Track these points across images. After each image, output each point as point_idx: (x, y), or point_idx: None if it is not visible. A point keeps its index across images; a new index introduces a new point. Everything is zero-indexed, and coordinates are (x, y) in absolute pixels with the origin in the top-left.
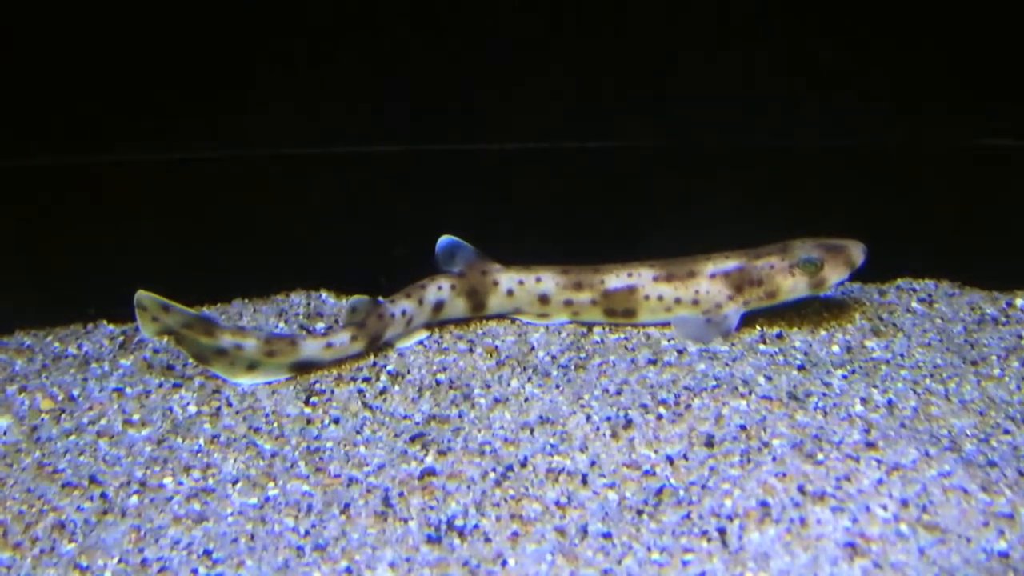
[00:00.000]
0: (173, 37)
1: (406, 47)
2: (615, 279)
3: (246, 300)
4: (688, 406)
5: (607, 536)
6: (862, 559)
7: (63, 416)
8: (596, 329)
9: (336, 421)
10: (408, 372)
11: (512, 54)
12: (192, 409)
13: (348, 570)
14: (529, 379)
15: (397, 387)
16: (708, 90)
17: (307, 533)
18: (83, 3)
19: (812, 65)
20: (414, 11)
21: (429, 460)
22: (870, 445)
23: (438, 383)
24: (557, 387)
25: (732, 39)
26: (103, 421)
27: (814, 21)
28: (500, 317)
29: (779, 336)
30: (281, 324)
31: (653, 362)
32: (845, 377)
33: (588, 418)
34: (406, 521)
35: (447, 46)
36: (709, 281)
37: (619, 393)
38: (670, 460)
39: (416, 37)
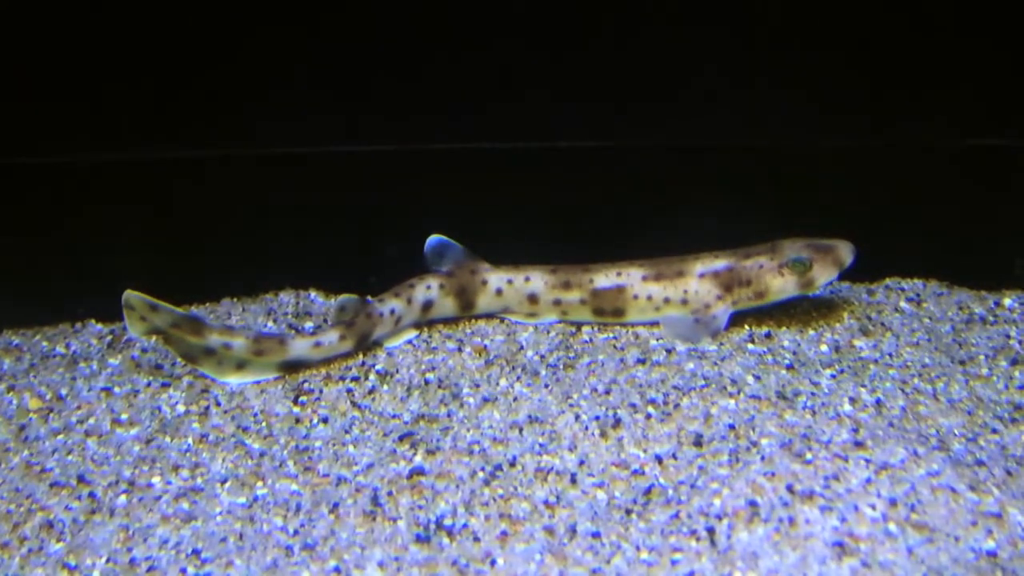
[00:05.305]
0: (165, 37)
1: (396, 46)
2: (604, 278)
3: (235, 299)
4: (677, 405)
5: (596, 535)
6: (850, 558)
7: (51, 415)
8: (585, 328)
9: (325, 420)
10: (397, 371)
11: (505, 54)
12: (180, 408)
13: (337, 569)
14: (518, 378)
15: (386, 386)
16: (699, 89)
17: (296, 532)
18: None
19: (803, 65)
20: (408, 10)
21: (418, 459)
22: (858, 444)
23: (427, 382)
24: (546, 386)
25: (725, 38)
26: (91, 420)
27: (808, 20)
28: (489, 316)
29: (768, 335)
30: (270, 323)
31: (642, 361)
32: (833, 376)
33: (577, 417)
34: (395, 520)
35: (440, 45)
36: (698, 281)
37: (608, 392)
38: (659, 459)
39: (409, 37)
